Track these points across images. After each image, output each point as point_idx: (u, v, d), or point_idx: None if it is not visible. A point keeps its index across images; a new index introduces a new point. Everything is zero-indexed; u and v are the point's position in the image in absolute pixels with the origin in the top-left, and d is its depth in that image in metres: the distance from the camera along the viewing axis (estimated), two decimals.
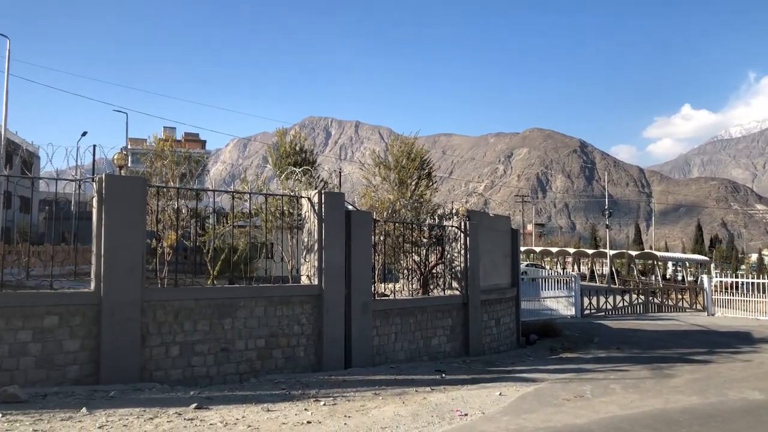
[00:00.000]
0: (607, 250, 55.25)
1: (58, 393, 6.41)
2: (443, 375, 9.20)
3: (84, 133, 36.44)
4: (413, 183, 15.05)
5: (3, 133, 27.14)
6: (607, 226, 62.07)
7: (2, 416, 5.23)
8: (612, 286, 43.56)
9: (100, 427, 5.08)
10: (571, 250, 64.53)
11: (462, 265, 12.22)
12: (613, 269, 53.04)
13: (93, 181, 7.84)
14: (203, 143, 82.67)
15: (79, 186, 8.39)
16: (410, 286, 12.27)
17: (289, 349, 8.86)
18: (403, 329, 10.65)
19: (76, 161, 9.52)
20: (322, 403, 6.65)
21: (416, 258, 12.52)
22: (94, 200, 7.63)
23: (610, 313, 24.22)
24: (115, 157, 8.87)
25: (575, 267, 61.41)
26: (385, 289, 12.16)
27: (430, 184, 15.80)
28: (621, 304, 25.12)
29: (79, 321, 7.13)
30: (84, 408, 5.68)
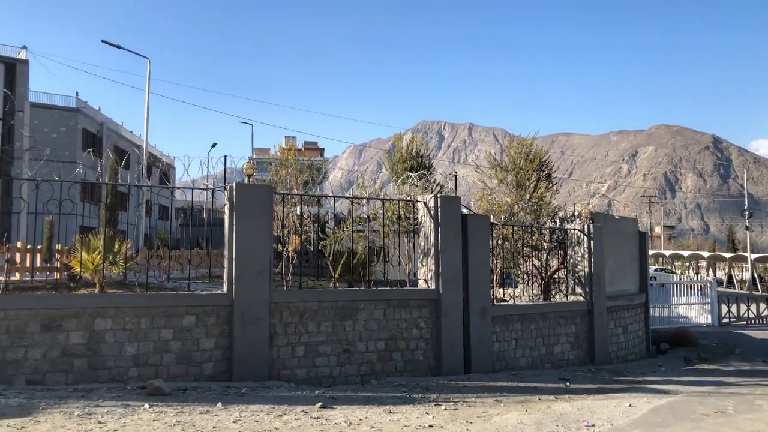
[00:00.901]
0: (747, 254, 50.78)
1: (196, 388, 6.87)
2: (567, 383, 8.86)
3: (214, 145, 38.89)
4: (532, 185, 14.65)
5: (145, 147, 29.64)
6: (747, 228, 57.01)
7: (150, 407, 5.69)
8: (754, 292, 40.00)
9: (234, 422, 5.37)
10: (706, 254, 59.94)
11: (586, 269, 11.74)
12: (755, 274, 48.64)
13: (225, 189, 8.33)
14: (322, 151, 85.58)
15: (212, 194, 8.96)
16: (530, 291, 11.96)
17: (408, 353, 8.92)
18: (523, 335, 10.39)
19: (207, 171, 10.19)
20: (443, 407, 6.63)
21: (536, 262, 12.18)
22: (226, 207, 8.11)
23: (753, 322, 22.24)
24: (244, 166, 9.40)
25: (710, 272, 57.00)
26: (504, 295, 11.94)
27: (550, 185, 15.31)
28: (766, 313, 22.97)
29: (214, 321, 7.62)
30: (219, 403, 6.05)
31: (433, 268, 9.36)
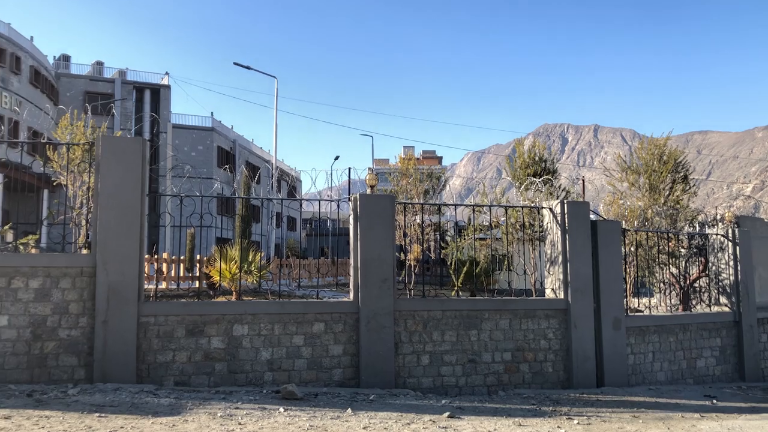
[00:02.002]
0: None
1: (327, 393, 7.08)
2: (714, 401, 8.17)
3: (336, 157, 40.31)
4: (666, 188, 13.74)
5: (274, 162, 31.24)
6: None
7: (284, 410, 5.95)
8: None
9: (364, 428, 5.47)
10: None
11: (731, 278, 10.79)
12: None
13: (349, 200, 8.57)
14: (440, 159, 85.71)
15: (338, 205, 9.26)
16: (668, 301, 11.18)
17: (536, 364, 8.65)
18: (661, 348, 9.73)
19: (330, 183, 10.55)
20: (575, 421, 6.35)
21: (674, 270, 11.38)
22: (351, 218, 8.34)
23: None
24: (367, 177, 9.61)
25: None
26: (638, 304, 11.26)
27: (687, 188, 14.27)
28: None
29: (341, 328, 7.83)
30: (349, 409, 6.19)
31: (560, 277, 9.03)
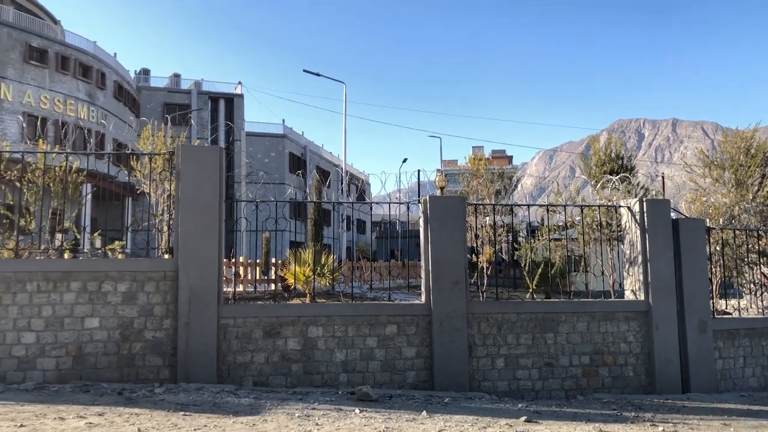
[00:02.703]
0: None
1: (401, 395, 7.09)
2: None
3: (404, 160, 40.37)
4: (755, 183, 12.97)
5: (344, 166, 31.65)
6: None
7: (360, 412, 6.00)
8: None
9: (439, 431, 5.44)
10: None
11: None
12: None
13: (419, 202, 8.56)
14: (510, 159, 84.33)
15: (408, 208, 9.26)
16: (759, 302, 10.55)
17: (617, 368, 8.36)
18: (753, 353, 9.20)
19: (399, 185, 10.56)
20: (660, 428, 6.08)
21: (765, 270, 10.72)
22: (421, 220, 8.32)
23: None
24: (437, 179, 9.58)
25: None
26: (726, 306, 10.68)
27: None
28: None
29: (414, 330, 7.82)
30: (424, 411, 6.17)
31: (640, 278, 8.68)
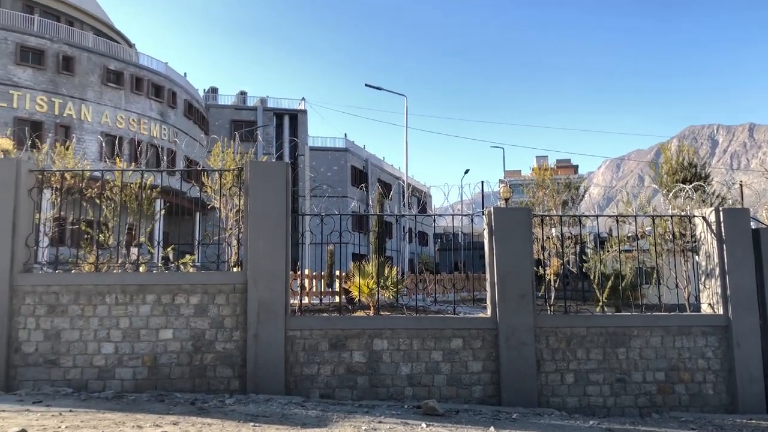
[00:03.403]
0: None
1: (468, 410, 6.99)
2: None
3: (466, 171, 40.14)
4: None
5: (405, 179, 31.75)
6: None
7: (426, 426, 5.96)
8: None
9: None
10: None
11: None
12: None
13: (483, 214, 8.47)
14: (575, 168, 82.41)
15: (471, 219, 9.18)
16: None
17: (694, 385, 7.97)
18: None
19: (461, 196, 10.49)
20: None
21: None
22: (485, 232, 8.23)
23: None
24: (501, 190, 9.45)
25: None
26: None
27: None
28: None
29: (480, 344, 7.72)
30: (492, 427, 6.06)
31: (718, 291, 8.28)
